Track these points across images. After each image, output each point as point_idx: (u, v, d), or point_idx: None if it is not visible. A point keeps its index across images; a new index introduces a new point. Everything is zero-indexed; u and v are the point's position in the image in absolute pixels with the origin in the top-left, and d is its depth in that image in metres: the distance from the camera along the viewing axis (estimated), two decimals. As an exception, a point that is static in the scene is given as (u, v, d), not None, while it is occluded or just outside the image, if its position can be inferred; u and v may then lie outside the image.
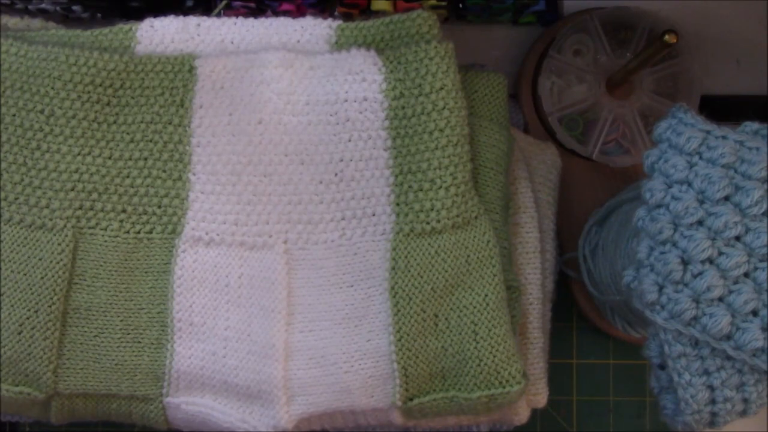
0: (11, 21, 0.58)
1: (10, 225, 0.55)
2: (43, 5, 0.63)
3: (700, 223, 0.47)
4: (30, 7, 0.63)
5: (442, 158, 0.54)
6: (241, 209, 0.55)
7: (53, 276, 0.54)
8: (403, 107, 0.54)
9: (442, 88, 0.54)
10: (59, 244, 0.54)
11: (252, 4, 0.63)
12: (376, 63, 0.55)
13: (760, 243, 0.46)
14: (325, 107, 0.55)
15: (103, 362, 0.54)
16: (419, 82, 0.54)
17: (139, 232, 0.55)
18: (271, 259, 0.55)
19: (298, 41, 0.57)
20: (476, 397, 0.52)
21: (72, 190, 0.55)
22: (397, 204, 0.54)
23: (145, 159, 0.56)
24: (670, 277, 0.47)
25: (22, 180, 0.55)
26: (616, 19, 0.67)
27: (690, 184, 0.48)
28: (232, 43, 0.57)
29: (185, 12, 0.59)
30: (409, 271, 0.53)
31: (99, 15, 0.65)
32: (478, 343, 0.52)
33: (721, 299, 0.46)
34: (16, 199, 0.55)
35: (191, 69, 0.56)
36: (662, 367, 0.50)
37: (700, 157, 0.48)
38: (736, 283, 0.46)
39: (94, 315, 0.54)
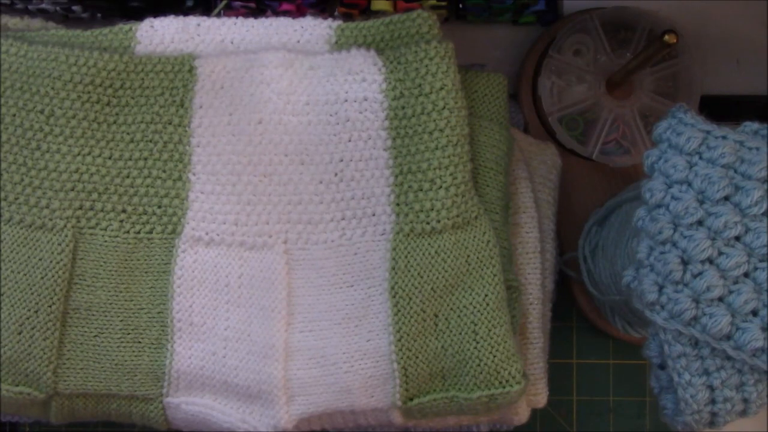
0: (11, 21, 0.58)
1: (10, 225, 0.55)
2: (43, 5, 0.63)
3: (700, 223, 0.47)
4: (30, 7, 0.63)
5: (442, 158, 0.53)
6: (241, 209, 0.55)
7: (53, 276, 0.54)
8: (403, 107, 0.54)
9: (442, 88, 0.54)
10: (59, 244, 0.54)
11: (252, 4, 0.63)
12: (376, 63, 0.55)
13: (760, 243, 0.46)
14: (325, 107, 0.55)
15: (103, 362, 0.54)
16: (419, 82, 0.54)
17: (139, 232, 0.55)
18: (271, 259, 0.55)
19: (298, 41, 0.57)
20: (476, 397, 0.52)
21: (72, 190, 0.55)
22: (397, 204, 0.54)
23: (145, 159, 0.56)
24: (670, 277, 0.47)
25: (22, 180, 0.55)
26: (616, 19, 0.67)
27: (690, 184, 0.47)
28: (232, 43, 0.57)
29: (185, 12, 0.59)
30: (409, 271, 0.53)
31: (99, 15, 0.65)
32: (478, 343, 0.52)
33: (721, 299, 0.46)
34: (16, 199, 0.55)
35: (191, 69, 0.56)
36: (662, 367, 0.50)
37: (700, 157, 0.48)
38: (736, 283, 0.46)
39: (94, 315, 0.54)
